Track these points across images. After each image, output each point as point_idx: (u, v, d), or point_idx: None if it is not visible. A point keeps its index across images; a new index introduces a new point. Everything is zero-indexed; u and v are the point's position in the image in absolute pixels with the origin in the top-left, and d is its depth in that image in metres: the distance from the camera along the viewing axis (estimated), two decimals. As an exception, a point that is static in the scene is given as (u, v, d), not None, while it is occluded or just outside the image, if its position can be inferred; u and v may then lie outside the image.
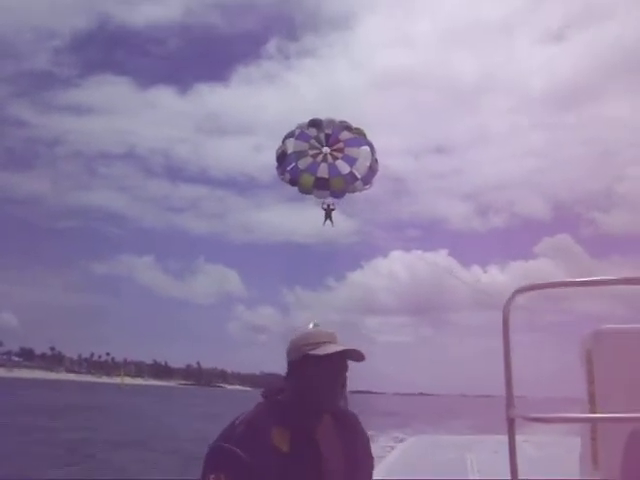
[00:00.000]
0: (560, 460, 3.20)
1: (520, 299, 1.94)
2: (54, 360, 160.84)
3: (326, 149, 7.04)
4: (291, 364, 1.90)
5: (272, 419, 1.83)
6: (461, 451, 4.43)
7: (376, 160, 7.00)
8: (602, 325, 2.65)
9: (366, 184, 7.00)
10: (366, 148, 7.00)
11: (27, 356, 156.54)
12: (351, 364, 1.90)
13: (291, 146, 6.99)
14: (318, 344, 1.87)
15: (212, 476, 1.78)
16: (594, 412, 2.41)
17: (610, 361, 2.39)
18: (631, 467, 1.74)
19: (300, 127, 7.03)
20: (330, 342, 1.88)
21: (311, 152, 7.03)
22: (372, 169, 6.97)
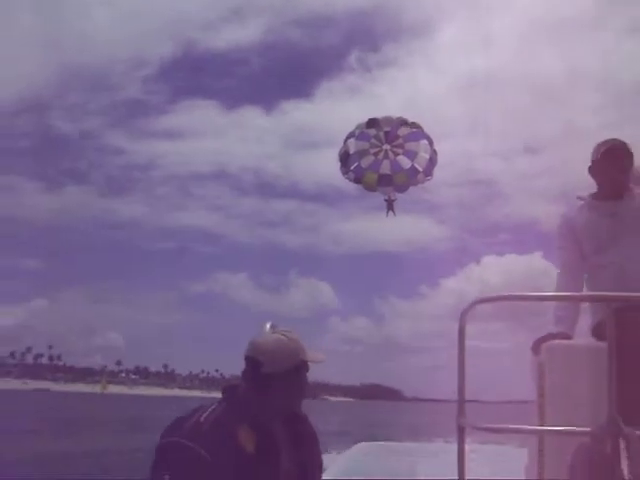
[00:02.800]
0: (508, 471, 2.99)
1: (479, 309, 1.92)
2: (168, 377, 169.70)
3: (386, 146, 7.36)
4: (285, 370, 1.83)
5: (239, 419, 1.77)
6: (410, 457, 4.24)
7: (435, 151, 7.21)
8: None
9: (427, 176, 7.24)
10: (424, 141, 7.24)
11: (143, 374, 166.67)
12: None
13: (353, 146, 7.36)
14: (306, 350, 1.87)
15: (168, 475, 1.67)
16: (543, 424, 2.34)
17: (561, 375, 2.31)
18: (573, 478, 1.73)
19: (359, 127, 7.39)
20: (308, 347, 1.88)
21: (372, 150, 7.37)
22: (432, 161, 7.19)
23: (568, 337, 2.58)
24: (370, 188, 7.42)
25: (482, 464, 4.04)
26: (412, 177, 7.28)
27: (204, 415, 1.75)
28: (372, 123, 7.36)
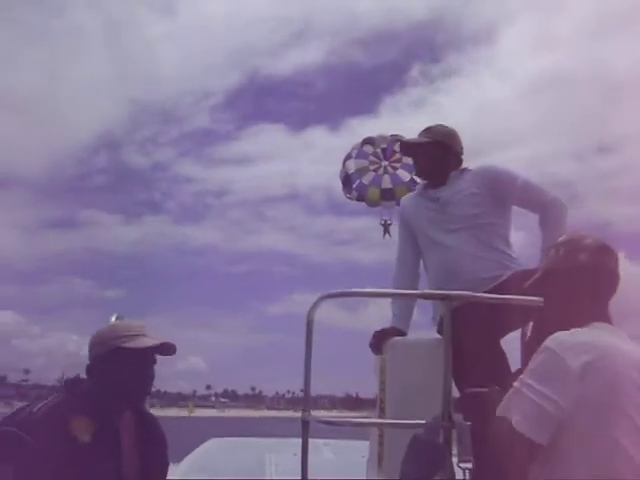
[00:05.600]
0: (355, 463, 3.04)
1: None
2: (255, 399, 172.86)
3: (385, 162, 7.69)
4: (99, 357, 1.80)
5: (73, 409, 1.73)
6: (261, 453, 4.19)
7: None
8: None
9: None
10: (419, 154, 7.51)
11: (231, 397, 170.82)
12: None
13: (352, 166, 7.74)
14: (131, 337, 1.79)
15: None
16: (383, 418, 2.44)
17: (401, 370, 2.42)
18: (407, 467, 1.83)
19: (355, 148, 7.77)
20: (142, 335, 1.81)
21: (372, 167, 7.72)
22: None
23: (401, 332, 2.65)
24: (373, 204, 7.75)
25: (332, 457, 4.16)
26: (412, 189, 7.54)
27: (38, 405, 1.72)
28: (367, 141, 7.72)
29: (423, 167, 2.83)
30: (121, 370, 1.78)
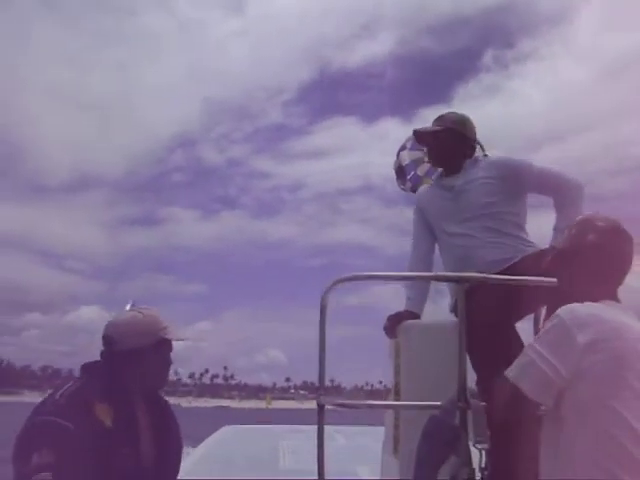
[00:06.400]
0: (367, 448, 2.98)
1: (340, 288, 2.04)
2: (335, 391, 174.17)
3: (439, 153, 7.52)
4: (146, 347, 1.85)
5: (95, 394, 1.76)
6: (275, 440, 4.17)
7: (486, 155, 7.23)
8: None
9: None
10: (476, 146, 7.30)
11: (311, 389, 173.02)
12: None
13: (406, 157, 7.60)
14: (167, 328, 1.90)
15: (36, 454, 1.62)
16: (398, 401, 2.44)
17: (416, 353, 2.42)
18: (423, 448, 1.82)
19: (409, 139, 7.62)
20: (169, 325, 1.91)
21: (426, 159, 7.56)
22: (483, 162, 7.22)
23: (415, 316, 2.63)
24: (428, 195, 7.61)
25: (344, 443, 4.17)
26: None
27: (60, 392, 1.75)
28: (421, 133, 7.58)
29: (436, 155, 2.87)
30: (157, 360, 1.90)
